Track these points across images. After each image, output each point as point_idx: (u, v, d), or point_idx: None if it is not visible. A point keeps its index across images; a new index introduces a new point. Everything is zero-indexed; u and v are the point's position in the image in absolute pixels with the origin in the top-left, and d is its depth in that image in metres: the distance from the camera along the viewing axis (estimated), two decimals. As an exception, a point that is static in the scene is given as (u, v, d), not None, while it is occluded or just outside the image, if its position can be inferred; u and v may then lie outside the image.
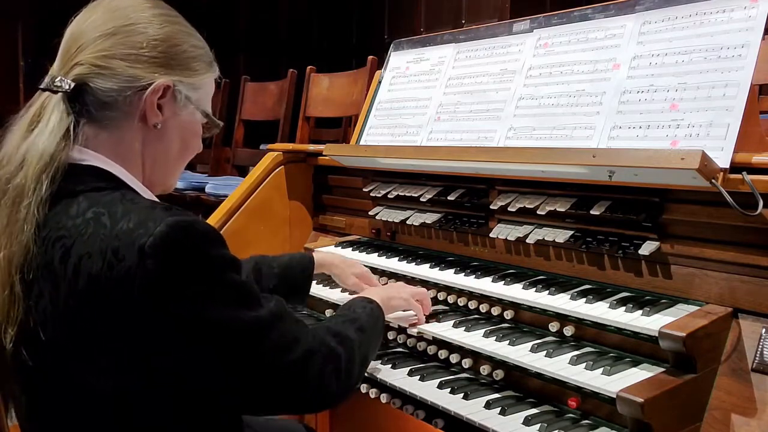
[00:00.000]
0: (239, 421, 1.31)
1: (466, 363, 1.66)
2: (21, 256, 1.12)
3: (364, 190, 2.30)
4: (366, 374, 1.59)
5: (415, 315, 1.75)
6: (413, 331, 1.74)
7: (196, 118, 1.33)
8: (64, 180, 1.16)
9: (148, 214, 1.09)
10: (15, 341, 1.11)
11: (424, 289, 1.81)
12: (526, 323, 1.68)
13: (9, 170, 1.17)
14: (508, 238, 1.82)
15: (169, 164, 1.33)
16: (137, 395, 1.12)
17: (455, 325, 1.72)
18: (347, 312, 1.50)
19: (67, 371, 1.13)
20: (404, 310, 1.76)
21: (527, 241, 1.76)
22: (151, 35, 1.24)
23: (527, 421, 1.41)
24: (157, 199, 1.23)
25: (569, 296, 1.58)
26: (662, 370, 1.37)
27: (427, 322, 1.76)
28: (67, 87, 1.20)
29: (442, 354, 1.71)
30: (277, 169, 2.53)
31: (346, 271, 1.92)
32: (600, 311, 1.48)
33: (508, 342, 1.57)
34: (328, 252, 2.06)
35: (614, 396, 1.28)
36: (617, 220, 1.60)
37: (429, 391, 1.58)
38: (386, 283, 2.04)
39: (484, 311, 1.75)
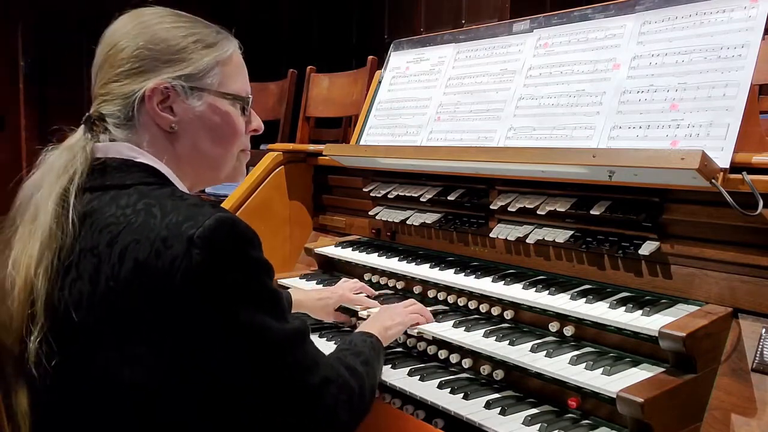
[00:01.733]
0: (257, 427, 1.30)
1: (466, 363, 1.66)
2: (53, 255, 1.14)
3: (364, 190, 2.30)
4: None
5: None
6: (413, 331, 1.74)
7: (217, 103, 1.32)
8: (116, 171, 1.21)
9: (198, 209, 1.12)
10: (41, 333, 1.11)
11: (418, 303, 1.80)
12: (526, 323, 1.68)
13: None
14: (508, 238, 1.82)
15: (208, 158, 1.33)
16: (165, 389, 1.11)
17: (455, 325, 1.72)
18: (351, 347, 1.49)
19: (94, 358, 1.12)
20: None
21: (527, 241, 1.76)
22: (132, 47, 1.26)
23: (527, 421, 1.41)
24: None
25: (569, 296, 1.58)
26: (662, 370, 1.37)
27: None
28: (87, 118, 1.28)
29: (442, 354, 1.71)
30: (277, 169, 2.53)
31: (320, 313, 1.94)
32: (600, 311, 1.48)
33: (508, 342, 1.57)
34: (305, 291, 2.04)
35: (614, 396, 1.28)
36: (617, 220, 1.60)
37: (429, 391, 1.58)
38: (386, 284, 2.05)
39: (484, 311, 1.75)
